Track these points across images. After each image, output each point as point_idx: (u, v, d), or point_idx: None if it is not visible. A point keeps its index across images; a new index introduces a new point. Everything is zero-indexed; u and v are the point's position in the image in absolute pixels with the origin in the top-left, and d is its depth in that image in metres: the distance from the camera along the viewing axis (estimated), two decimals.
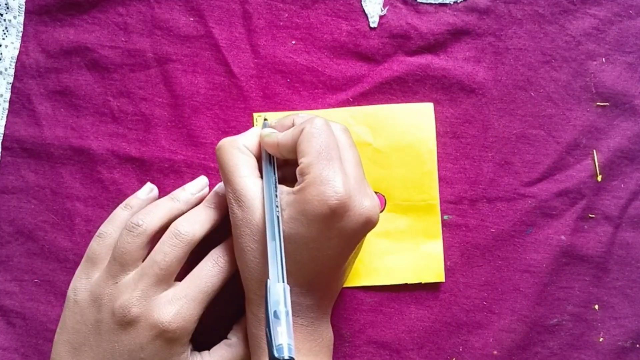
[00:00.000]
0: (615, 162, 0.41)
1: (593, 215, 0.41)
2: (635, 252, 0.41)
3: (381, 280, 0.40)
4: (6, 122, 0.41)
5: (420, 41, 0.41)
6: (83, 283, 0.35)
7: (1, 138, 0.41)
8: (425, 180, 0.40)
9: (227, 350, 0.36)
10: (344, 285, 0.40)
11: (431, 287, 0.40)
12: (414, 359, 0.40)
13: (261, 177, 0.34)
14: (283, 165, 0.37)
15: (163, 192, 0.40)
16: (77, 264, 0.38)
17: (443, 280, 0.40)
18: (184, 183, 0.40)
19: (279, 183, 0.34)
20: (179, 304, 0.33)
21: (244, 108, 0.41)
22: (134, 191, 0.40)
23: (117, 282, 0.34)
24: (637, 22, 0.42)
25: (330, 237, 0.31)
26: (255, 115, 0.41)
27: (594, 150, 0.41)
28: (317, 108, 0.41)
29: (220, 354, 0.36)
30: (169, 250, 0.34)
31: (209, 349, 0.36)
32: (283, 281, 0.29)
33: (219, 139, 0.40)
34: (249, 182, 0.33)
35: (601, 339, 0.40)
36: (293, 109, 0.41)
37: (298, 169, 0.32)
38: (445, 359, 0.40)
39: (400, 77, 0.41)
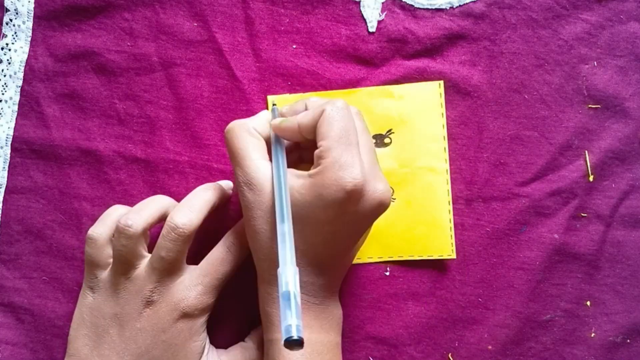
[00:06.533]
0: (607, 163, 0.41)
1: (585, 214, 0.41)
2: (626, 249, 0.41)
3: (391, 254, 0.41)
4: (15, 124, 0.41)
5: (417, 45, 0.42)
6: (95, 282, 0.36)
7: (11, 139, 0.41)
8: (433, 144, 0.41)
9: (242, 352, 0.37)
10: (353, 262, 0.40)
11: (429, 283, 0.41)
12: (411, 353, 0.40)
13: (270, 160, 0.34)
14: (295, 149, 0.37)
15: (167, 193, 0.41)
16: (84, 262, 0.39)
17: (454, 256, 0.40)
18: (188, 184, 0.41)
19: (295, 165, 0.34)
20: (196, 290, 0.35)
21: (246, 110, 0.41)
22: (139, 191, 0.41)
23: (129, 277, 0.35)
24: (627, 27, 0.42)
25: (345, 221, 0.32)
26: (269, 97, 0.41)
27: (586, 151, 0.41)
28: None
29: (235, 354, 0.37)
30: (171, 245, 0.34)
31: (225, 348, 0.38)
32: (293, 264, 0.29)
33: (222, 141, 0.41)
34: (260, 165, 0.33)
35: (593, 335, 0.41)
36: None
37: (316, 151, 0.32)
38: (442, 354, 0.40)
39: (398, 80, 0.41)
